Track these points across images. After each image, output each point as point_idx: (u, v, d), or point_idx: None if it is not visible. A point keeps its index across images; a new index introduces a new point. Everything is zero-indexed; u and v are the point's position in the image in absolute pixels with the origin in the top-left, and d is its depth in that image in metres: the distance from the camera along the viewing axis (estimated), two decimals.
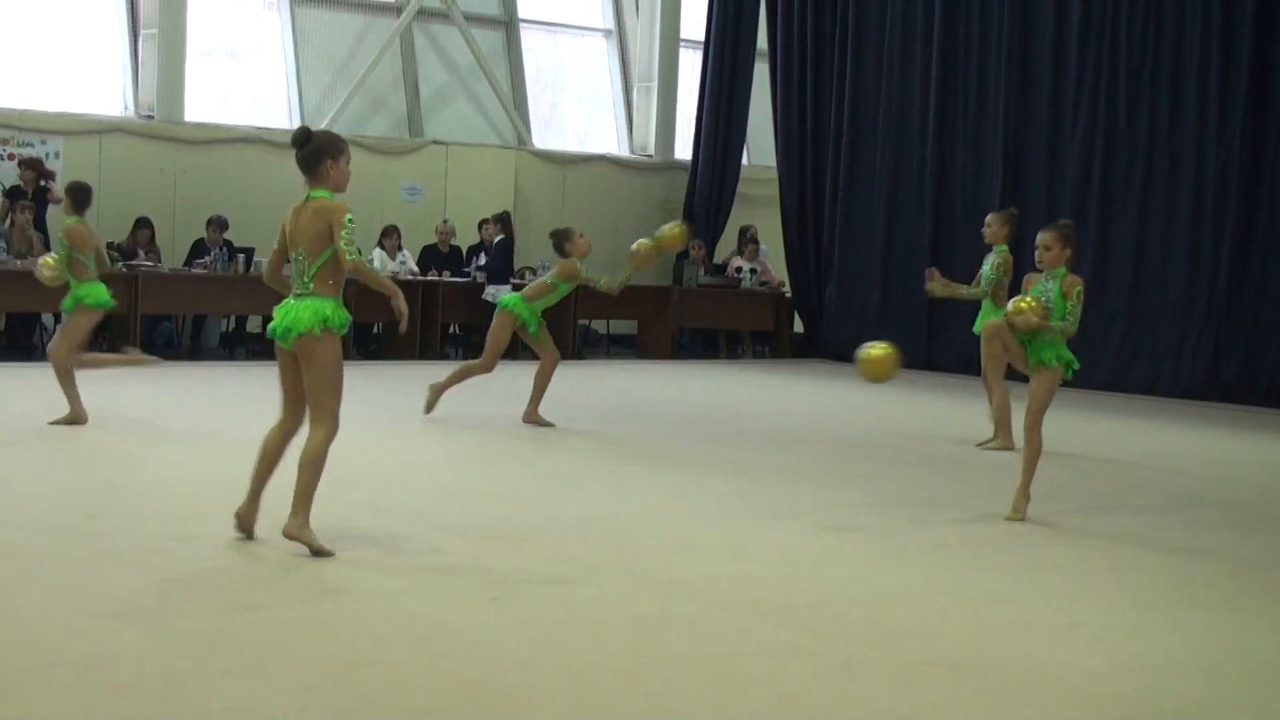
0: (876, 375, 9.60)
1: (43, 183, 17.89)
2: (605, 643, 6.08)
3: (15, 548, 7.34)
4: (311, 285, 7.31)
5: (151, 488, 9.24)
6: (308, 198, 7.45)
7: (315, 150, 7.43)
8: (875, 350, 9.55)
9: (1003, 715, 5.39)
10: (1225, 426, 15.24)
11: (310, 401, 7.36)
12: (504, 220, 19.22)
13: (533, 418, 12.87)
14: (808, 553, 8.14)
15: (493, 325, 13.01)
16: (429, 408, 12.88)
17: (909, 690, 5.62)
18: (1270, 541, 9.17)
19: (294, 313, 7.26)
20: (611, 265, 22.18)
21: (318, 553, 7.19)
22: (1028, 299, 9.43)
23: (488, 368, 13.01)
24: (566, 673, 5.67)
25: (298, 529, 7.26)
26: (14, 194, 17.85)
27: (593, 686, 5.50)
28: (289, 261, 7.53)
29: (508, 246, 19.11)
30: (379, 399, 14.09)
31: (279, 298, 7.54)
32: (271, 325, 7.37)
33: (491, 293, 18.67)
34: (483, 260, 19.84)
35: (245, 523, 7.49)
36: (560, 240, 13.03)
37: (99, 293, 11.71)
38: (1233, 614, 7.11)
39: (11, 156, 18.43)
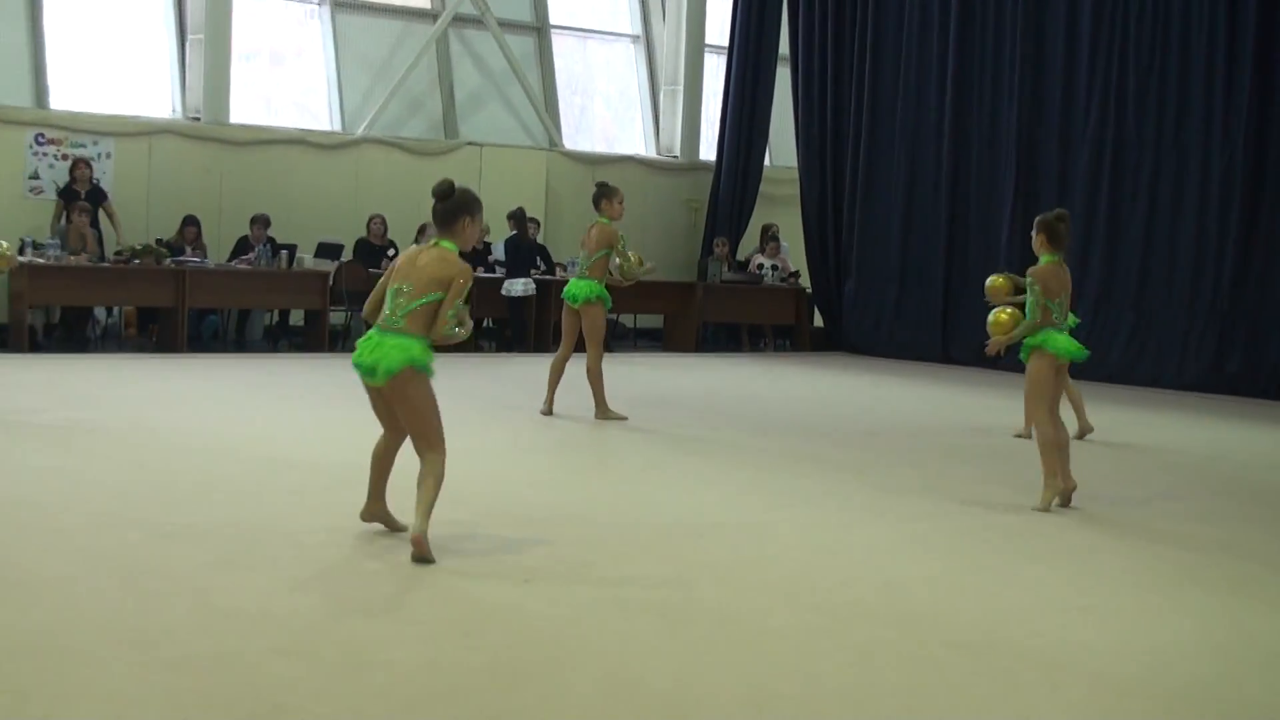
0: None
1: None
2: (633, 622, 6.10)
3: (73, 532, 7.38)
4: (403, 322, 7.06)
5: (192, 473, 9.28)
6: (435, 243, 7.22)
7: (457, 206, 7.23)
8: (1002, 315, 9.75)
9: (1016, 694, 5.40)
10: (1231, 418, 15.19)
11: (412, 434, 7.23)
12: (517, 217, 19.21)
13: (605, 414, 12.76)
14: (828, 537, 8.15)
15: (590, 320, 12.64)
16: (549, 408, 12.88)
17: (926, 670, 5.63)
18: (1274, 528, 9.15)
19: (381, 350, 7.06)
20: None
21: (421, 560, 6.93)
22: (1005, 311, 9.58)
23: (597, 358, 12.71)
24: (596, 651, 5.69)
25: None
26: (68, 195, 17.92)
27: (622, 665, 5.52)
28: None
29: (518, 242, 19.13)
30: None
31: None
32: (356, 357, 7.17)
33: (508, 287, 18.67)
34: (503, 265, 19.88)
35: (371, 518, 7.54)
36: (601, 196, 12.82)
37: None
38: (1238, 597, 7.10)
39: (65, 157, 18.49)
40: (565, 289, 12.87)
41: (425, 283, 7.05)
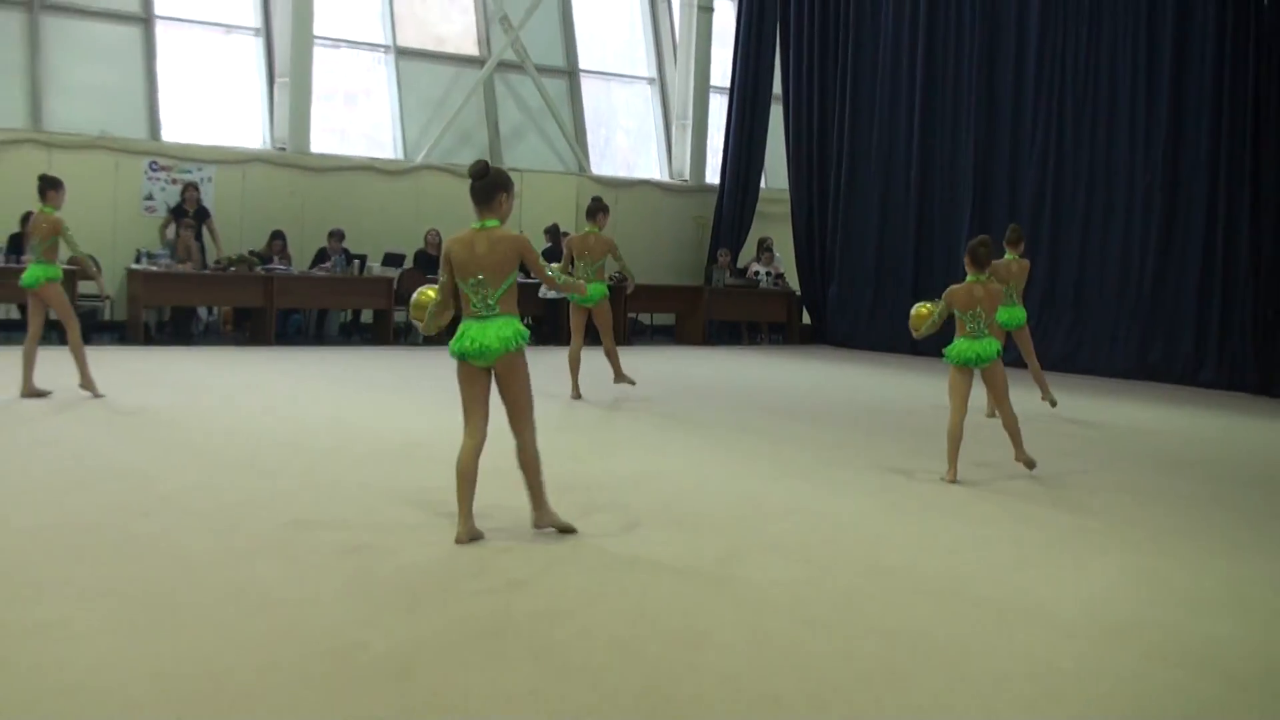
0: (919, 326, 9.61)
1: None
2: (653, 574, 6.08)
3: (175, 496, 7.38)
4: (497, 308, 6.59)
5: (277, 445, 9.28)
6: (481, 226, 6.71)
7: (493, 183, 6.77)
8: (922, 309, 9.64)
9: (998, 635, 5.36)
10: (1152, 400, 15.14)
11: (518, 409, 6.68)
12: (552, 231, 19.21)
13: (621, 378, 13.04)
14: (816, 503, 8.11)
15: (602, 313, 12.84)
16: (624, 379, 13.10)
17: (902, 614, 5.60)
18: (1188, 494, 9.08)
19: (486, 333, 6.53)
20: (652, 267, 22.21)
21: (565, 529, 6.75)
22: (925, 306, 9.64)
23: (613, 339, 13.05)
24: (621, 597, 5.67)
25: (548, 519, 6.81)
26: (178, 212, 17.99)
27: (642, 613, 5.49)
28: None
29: (552, 253, 19.05)
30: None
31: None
32: (460, 347, 6.56)
33: (544, 291, 18.61)
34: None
35: (468, 538, 6.54)
36: (599, 210, 12.90)
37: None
38: (1157, 553, 7.06)
39: (174, 181, 18.51)
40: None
41: (496, 268, 6.60)
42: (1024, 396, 12.90)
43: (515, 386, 6.69)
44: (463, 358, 6.61)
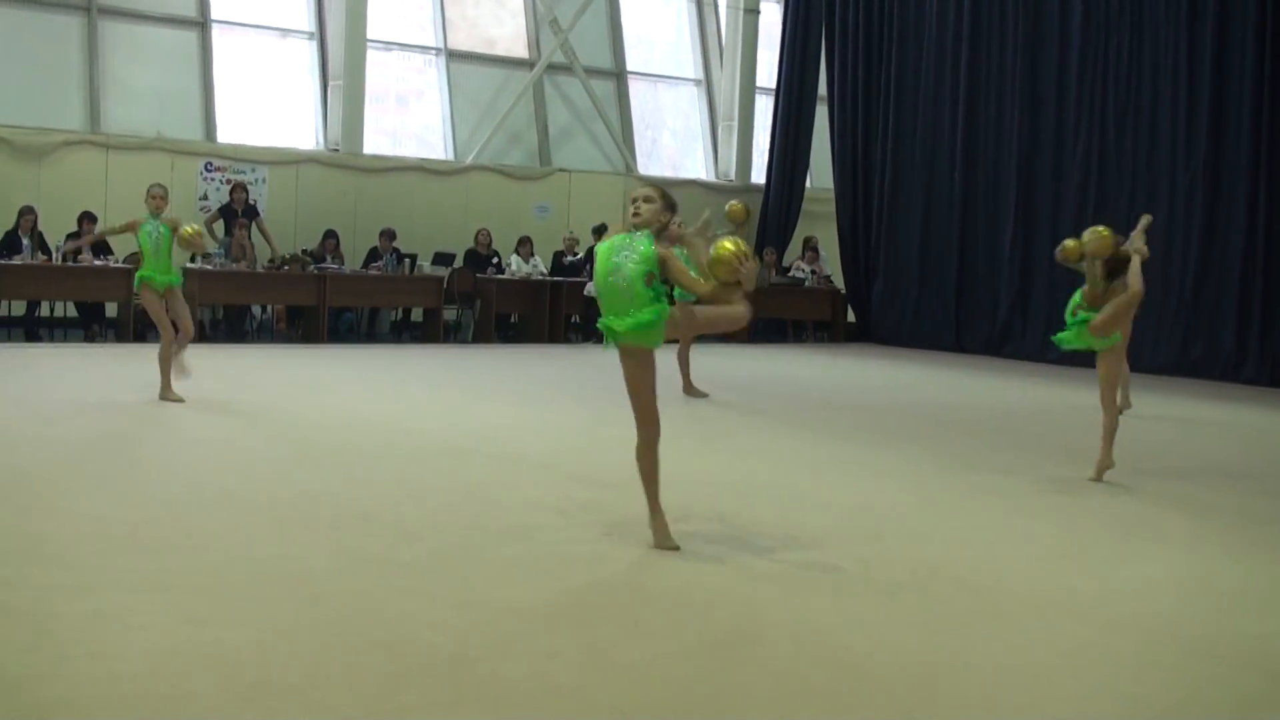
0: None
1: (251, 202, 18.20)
2: (697, 566, 6.09)
3: (234, 490, 7.45)
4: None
5: (330, 441, 9.35)
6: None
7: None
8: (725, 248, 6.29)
9: (1012, 628, 5.36)
10: (1195, 397, 15.05)
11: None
12: (599, 231, 19.18)
13: (689, 390, 12.82)
14: (855, 497, 8.11)
15: None
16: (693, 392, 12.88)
17: (936, 605, 5.60)
18: (1225, 488, 9.03)
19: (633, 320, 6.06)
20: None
21: (661, 547, 6.34)
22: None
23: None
24: (666, 591, 5.69)
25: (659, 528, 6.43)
26: (227, 212, 18.10)
27: (688, 603, 5.51)
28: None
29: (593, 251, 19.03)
30: (517, 373, 14.17)
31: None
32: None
33: (589, 289, 18.63)
34: (589, 270, 19.94)
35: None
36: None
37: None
38: (1199, 548, 7.03)
39: (229, 182, 18.66)
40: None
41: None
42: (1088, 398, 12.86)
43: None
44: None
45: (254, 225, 18.16)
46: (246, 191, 18.46)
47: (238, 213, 18.02)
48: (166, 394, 10.82)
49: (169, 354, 10.86)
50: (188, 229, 10.98)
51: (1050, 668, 4.88)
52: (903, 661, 4.88)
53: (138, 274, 11.02)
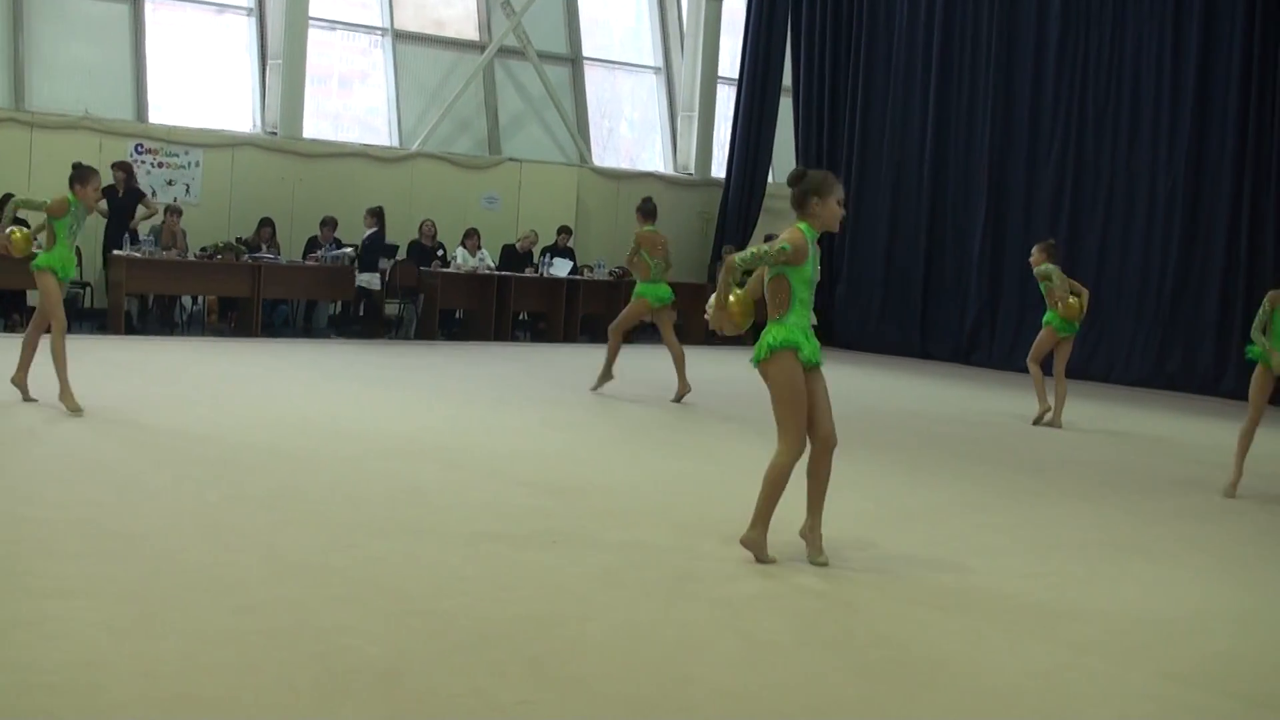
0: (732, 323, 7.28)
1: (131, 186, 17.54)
2: (646, 576, 6.10)
3: (159, 493, 7.40)
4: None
5: (263, 442, 9.31)
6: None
7: (804, 190, 6.59)
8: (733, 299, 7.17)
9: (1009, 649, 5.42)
10: (1171, 410, 15.18)
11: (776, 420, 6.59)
12: (377, 214, 18.76)
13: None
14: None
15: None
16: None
17: (903, 606, 5.63)
18: (1189, 500, 9.13)
19: (815, 341, 6.66)
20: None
21: (760, 560, 6.50)
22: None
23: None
24: (613, 604, 5.70)
25: (750, 540, 6.56)
26: (109, 192, 16.88)
27: (635, 618, 5.53)
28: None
29: (377, 239, 18.67)
30: (462, 373, 14.15)
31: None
32: (808, 355, 6.63)
33: (365, 279, 18.30)
34: (550, 260, 19.88)
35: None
36: (655, 210, 13.27)
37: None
38: (1180, 565, 7.10)
39: (161, 165, 18.52)
40: (658, 291, 13.17)
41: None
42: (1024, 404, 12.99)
43: (771, 394, 6.71)
44: (809, 362, 6.62)
45: (139, 205, 17.39)
46: (127, 171, 17.57)
47: (119, 192, 17.24)
48: (68, 398, 10.09)
49: (62, 347, 10.10)
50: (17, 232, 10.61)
51: (1018, 687, 4.92)
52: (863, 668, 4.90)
53: (47, 259, 10.27)
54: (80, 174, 10.42)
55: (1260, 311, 9.55)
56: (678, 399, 12.94)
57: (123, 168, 17.43)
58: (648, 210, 13.26)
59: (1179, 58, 17.73)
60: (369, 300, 18.66)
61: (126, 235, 16.85)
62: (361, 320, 18.72)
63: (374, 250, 18.53)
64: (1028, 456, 10.91)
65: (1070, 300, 12.86)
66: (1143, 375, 17.71)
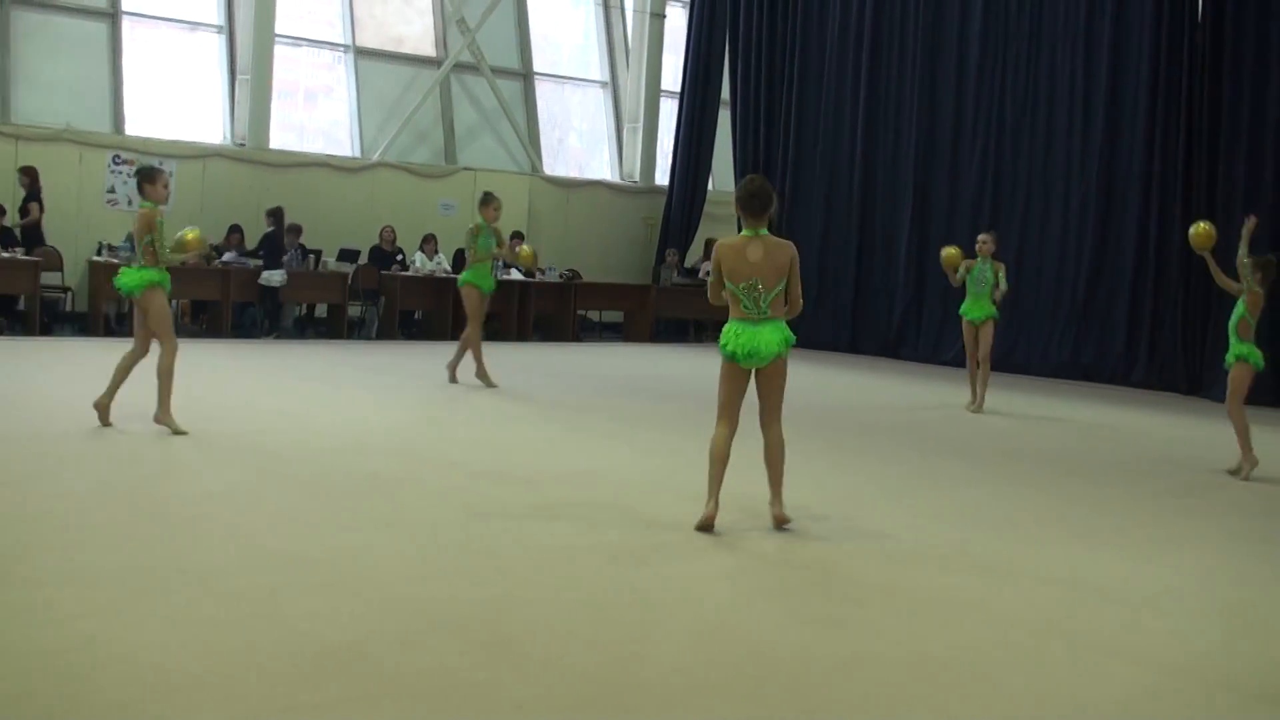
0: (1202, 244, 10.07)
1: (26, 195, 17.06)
2: (597, 564, 6.10)
3: (137, 485, 7.33)
4: (769, 311, 6.87)
5: (239, 437, 9.23)
6: (756, 234, 6.92)
7: (768, 196, 6.99)
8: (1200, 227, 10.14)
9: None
10: (1085, 399, 15.30)
11: (771, 405, 6.97)
12: (275, 215, 18.46)
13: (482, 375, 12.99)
14: (752, 494, 8.13)
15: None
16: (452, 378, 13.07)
17: (843, 564, 5.65)
18: (1113, 474, 9.21)
19: (760, 338, 6.82)
20: (602, 266, 22.30)
21: (783, 522, 6.97)
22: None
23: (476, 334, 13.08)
24: (574, 584, 5.69)
25: (779, 513, 7.02)
26: (32, 196, 16.90)
27: (593, 599, 5.52)
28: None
29: (274, 237, 18.33)
30: (426, 370, 14.09)
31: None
32: (731, 349, 6.85)
33: (265, 277, 17.92)
34: (502, 264, 19.79)
35: (709, 524, 6.83)
36: (483, 203, 13.24)
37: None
38: (1092, 544, 7.15)
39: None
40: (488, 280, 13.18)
41: (773, 273, 6.86)
42: (959, 393, 13.05)
43: (777, 386, 6.99)
44: (732, 358, 6.88)
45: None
46: (30, 176, 17.04)
47: (37, 195, 16.94)
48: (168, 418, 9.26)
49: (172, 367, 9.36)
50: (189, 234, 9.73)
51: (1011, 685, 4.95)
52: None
53: (159, 275, 9.44)
54: (148, 174, 9.35)
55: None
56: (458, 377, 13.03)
57: (28, 172, 17.20)
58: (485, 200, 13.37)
59: (1091, 74, 17.94)
60: (273, 297, 18.30)
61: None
62: (265, 316, 18.38)
63: (274, 249, 18.32)
64: (969, 442, 10.94)
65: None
66: (1059, 366, 17.88)
